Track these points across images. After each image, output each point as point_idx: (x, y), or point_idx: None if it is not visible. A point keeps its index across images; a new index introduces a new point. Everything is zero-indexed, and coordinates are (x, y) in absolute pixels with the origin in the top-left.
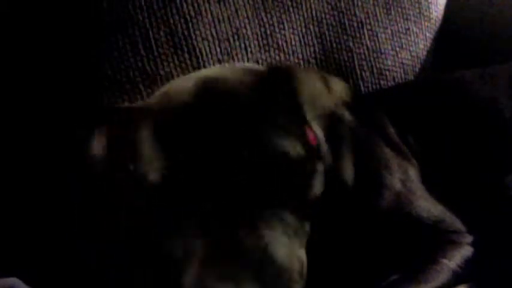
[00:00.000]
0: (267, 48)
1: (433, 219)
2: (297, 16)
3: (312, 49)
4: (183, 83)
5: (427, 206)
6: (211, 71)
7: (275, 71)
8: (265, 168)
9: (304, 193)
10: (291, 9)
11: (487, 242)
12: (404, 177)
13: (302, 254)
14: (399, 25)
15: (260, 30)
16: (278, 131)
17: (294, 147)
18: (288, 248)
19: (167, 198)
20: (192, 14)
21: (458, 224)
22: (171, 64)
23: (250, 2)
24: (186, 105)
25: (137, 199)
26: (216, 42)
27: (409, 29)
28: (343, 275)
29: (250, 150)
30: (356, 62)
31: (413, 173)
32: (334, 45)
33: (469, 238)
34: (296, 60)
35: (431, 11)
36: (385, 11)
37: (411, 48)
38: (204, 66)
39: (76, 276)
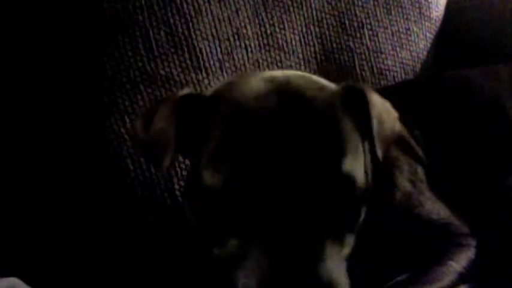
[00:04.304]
0: (267, 48)
1: (442, 221)
2: (297, 16)
3: (312, 49)
4: (254, 83)
5: (436, 208)
6: (283, 74)
7: (349, 90)
8: (337, 190)
9: (360, 213)
10: (291, 9)
11: (487, 242)
12: (414, 178)
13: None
14: (399, 25)
15: (260, 30)
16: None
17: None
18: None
19: (227, 202)
20: (192, 14)
21: (464, 227)
22: (171, 64)
23: (251, 2)
24: (263, 108)
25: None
26: (217, 42)
27: (409, 29)
28: (351, 275)
29: (323, 173)
30: (356, 62)
31: (422, 173)
32: (335, 45)
33: (474, 241)
34: (296, 60)
35: (431, 11)
36: (385, 11)
37: (411, 48)
38: (205, 66)
39: (76, 276)
